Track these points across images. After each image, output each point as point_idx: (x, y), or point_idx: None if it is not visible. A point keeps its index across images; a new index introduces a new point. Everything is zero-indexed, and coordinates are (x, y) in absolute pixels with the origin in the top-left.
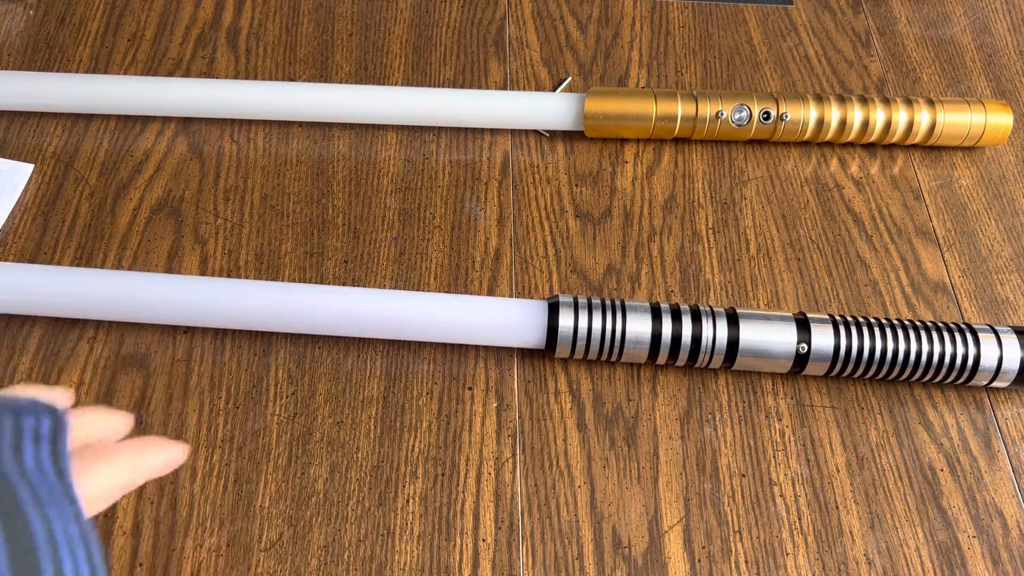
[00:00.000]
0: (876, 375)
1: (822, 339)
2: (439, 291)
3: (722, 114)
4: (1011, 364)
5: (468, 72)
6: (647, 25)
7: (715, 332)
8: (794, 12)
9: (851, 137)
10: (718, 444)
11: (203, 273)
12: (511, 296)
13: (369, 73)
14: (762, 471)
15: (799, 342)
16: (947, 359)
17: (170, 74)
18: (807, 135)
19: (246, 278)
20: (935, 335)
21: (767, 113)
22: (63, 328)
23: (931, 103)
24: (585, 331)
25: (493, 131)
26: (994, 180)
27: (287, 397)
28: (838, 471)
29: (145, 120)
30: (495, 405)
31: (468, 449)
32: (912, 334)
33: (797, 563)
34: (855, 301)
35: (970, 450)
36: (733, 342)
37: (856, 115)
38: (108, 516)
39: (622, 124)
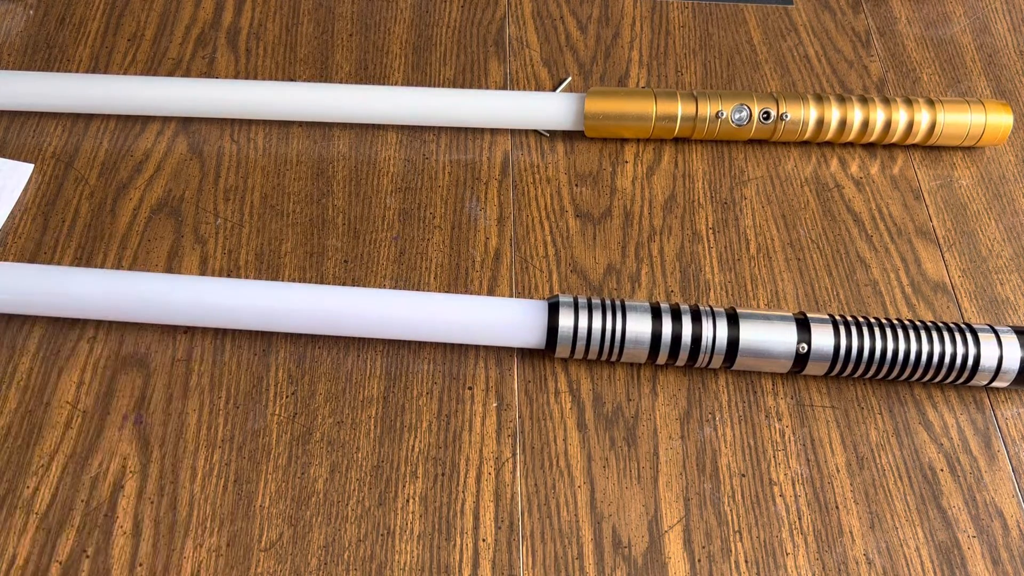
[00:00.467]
0: (876, 375)
1: (822, 339)
2: (439, 291)
3: (722, 114)
4: (1011, 364)
5: (468, 72)
6: (647, 25)
7: (715, 332)
8: (794, 12)
9: (851, 137)
10: (718, 444)
11: (203, 273)
12: (511, 296)
13: (369, 73)
14: (762, 471)
15: (799, 342)
16: (947, 359)
17: (170, 74)
18: (807, 135)
19: (246, 278)
20: (935, 335)
21: (767, 113)
22: (63, 328)
23: (931, 103)
24: (585, 331)
25: (493, 131)
26: (994, 180)
27: (287, 397)
28: (838, 471)
29: (145, 120)
30: (495, 405)
31: (468, 449)
32: (912, 334)
33: (797, 563)
34: (855, 301)
35: (970, 450)
36: (733, 342)
37: (856, 115)
38: (108, 516)
39: (622, 124)
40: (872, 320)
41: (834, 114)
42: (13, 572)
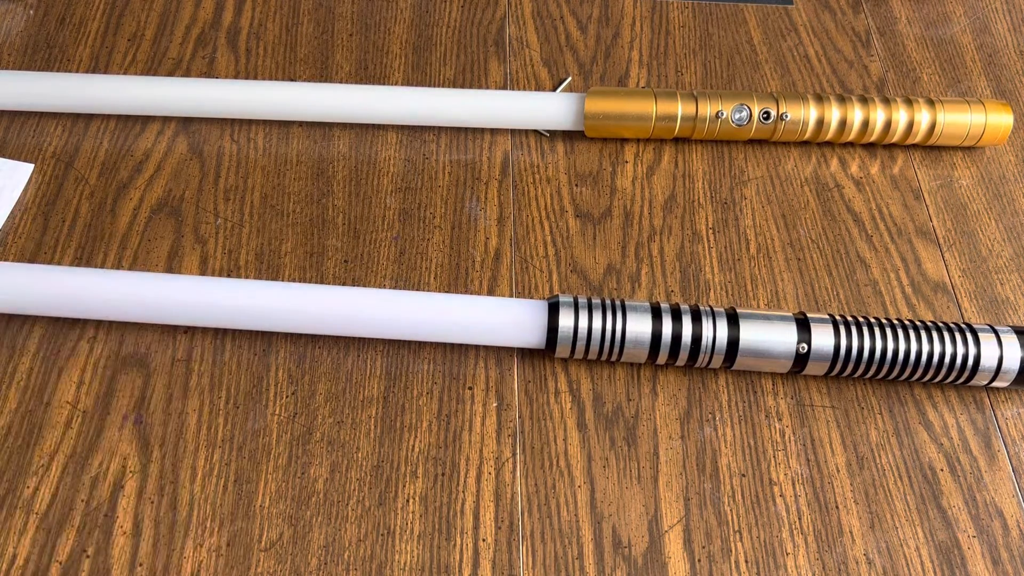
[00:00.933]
0: (876, 375)
1: (822, 339)
2: (439, 291)
3: (722, 114)
4: (1011, 364)
5: (468, 72)
6: (647, 25)
7: (715, 332)
8: (794, 12)
9: (851, 137)
10: (718, 444)
11: (203, 273)
12: (511, 296)
13: (369, 73)
14: (762, 471)
15: (799, 342)
16: (947, 359)
17: (170, 74)
18: (807, 135)
19: (246, 278)
20: (935, 335)
21: (767, 113)
22: (63, 328)
23: (931, 103)
24: (585, 331)
25: (493, 131)
26: (994, 180)
27: (287, 397)
28: (838, 471)
29: (145, 120)
30: (495, 405)
31: (468, 449)
32: (912, 334)
33: (797, 563)
34: (855, 301)
35: (970, 450)
36: (733, 342)
37: (856, 115)
38: (108, 516)
39: (622, 124)
40: (872, 320)
41: (834, 114)
42: (13, 572)
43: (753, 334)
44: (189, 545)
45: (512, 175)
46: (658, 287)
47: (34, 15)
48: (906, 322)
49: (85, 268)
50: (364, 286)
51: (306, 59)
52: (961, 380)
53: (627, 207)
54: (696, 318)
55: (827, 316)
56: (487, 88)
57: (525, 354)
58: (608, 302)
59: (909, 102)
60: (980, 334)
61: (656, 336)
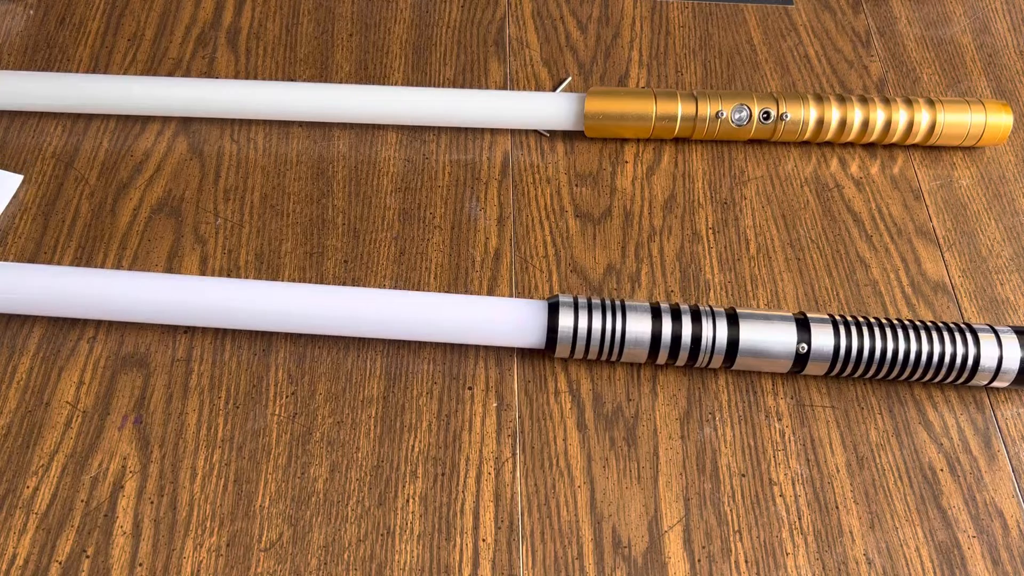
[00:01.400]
0: (876, 375)
1: (822, 339)
2: (439, 291)
3: (722, 114)
4: (1011, 364)
5: (468, 72)
6: (647, 25)
7: (715, 332)
8: (794, 12)
9: (851, 137)
10: (718, 444)
11: (203, 273)
12: (511, 296)
13: (369, 73)
14: (762, 471)
15: (799, 342)
16: (947, 359)
17: (170, 74)
18: (807, 135)
19: (246, 278)
20: (935, 335)
21: (767, 113)
22: (63, 328)
23: (931, 103)
24: (585, 331)
25: (493, 131)
26: (994, 180)
27: (287, 397)
28: (838, 471)
29: (145, 120)
30: (495, 405)
31: (468, 449)
32: (912, 334)
33: (797, 563)
34: (855, 301)
35: (970, 450)
36: (733, 342)
37: (856, 115)
38: (108, 516)
39: (622, 124)
40: (872, 320)
41: (834, 114)
42: (13, 572)
43: (753, 334)
44: (189, 545)
45: (512, 175)
46: (658, 287)
47: (34, 15)
48: (906, 322)
49: (85, 268)
50: (364, 286)
51: (306, 59)
52: (961, 380)
53: (627, 207)
54: (696, 318)
55: (827, 316)
56: (487, 88)
57: (525, 354)
58: (608, 302)
59: (909, 102)
60: (980, 334)
61: (656, 336)
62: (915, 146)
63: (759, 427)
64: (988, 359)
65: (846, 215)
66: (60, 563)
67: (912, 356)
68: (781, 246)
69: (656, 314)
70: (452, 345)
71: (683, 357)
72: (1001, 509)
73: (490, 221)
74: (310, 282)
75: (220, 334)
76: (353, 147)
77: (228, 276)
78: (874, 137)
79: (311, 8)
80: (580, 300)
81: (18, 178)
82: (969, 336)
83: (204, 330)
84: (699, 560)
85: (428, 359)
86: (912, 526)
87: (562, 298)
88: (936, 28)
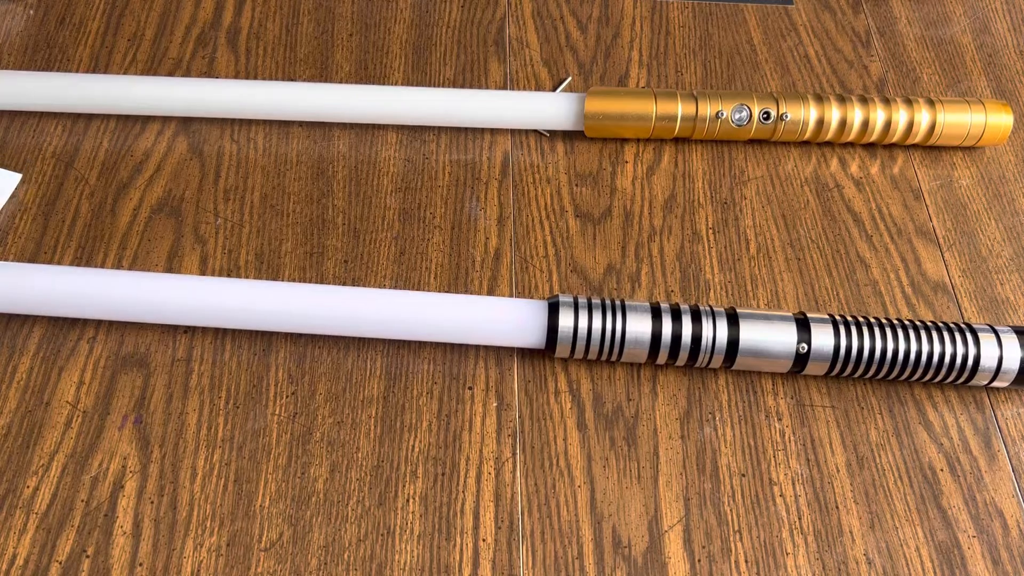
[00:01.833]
0: (876, 375)
1: (822, 339)
2: (439, 291)
3: (722, 114)
4: (1011, 364)
5: (468, 72)
6: (647, 25)
7: (715, 332)
8: (794, 12)
9: (851, 137)
10: (718, 444)
11: (203, 273)
12: (511, 296)
13: (369, 73)
14: (762, 471)
15: (799, 342)
16: (947, 359)
17: (170, 74)
18: (807, 135)
19: (246, 278)
20: (935, 335)
21: (767, 113)
22: (63, 328)
23: (931, 103)
24: (585, 331)
25: (493, 131)
26: (994, 180)
27: (287, 397)
28: (838, 471)
29: (145, 120)
30: (495, 405)
31: (468, 449)
32: (912, 334)
33: (797, 563)
34: (855, 301)
35: (970, 450)
36: (733, 342)
37: (856, 115)
38: (108, 516)
39: (622, 124)
40: (872, 320)
41: (834, 114)
42: (13, 572)
43: (753, 334)
44: (189, 545)
45: (512, 175)
46: (658, 287)
47: (34, 15)
48: (906, 322)
49: (85, 268)
50: (364, 286)
51: (306, 59)
52: (961, 380)
53: (627, 207)
54: (696, 318)
55: (827, 316)
56: (487, 88)
57: (525, 354)
58: (608, 302)
59: (909, 102)
60: (980, 334)
61: (656, 336)
62: (915, 146)
63: (759, 427)
64: (988, 359)
65: (846, 215)
66: (60, 563)
67: (912, 356)
68: (781, 246)
69: (656, 314)
70: (452, 345)
71: (683, 357)
72: (1001, 509)
73: (490, 221)
74: (310, 282)
75: (220, 334)
76: (353, 147)
77: (228, 276)
78: (874, 137)
79: (311, 8)
80: (580, 300)
81: (16, 177)
82: (969, 336)
83: (204, 330)
84: (699, 560)
85: (428, 359)
86: (912, 526)
87: (562, 298)
88: (936, 28)
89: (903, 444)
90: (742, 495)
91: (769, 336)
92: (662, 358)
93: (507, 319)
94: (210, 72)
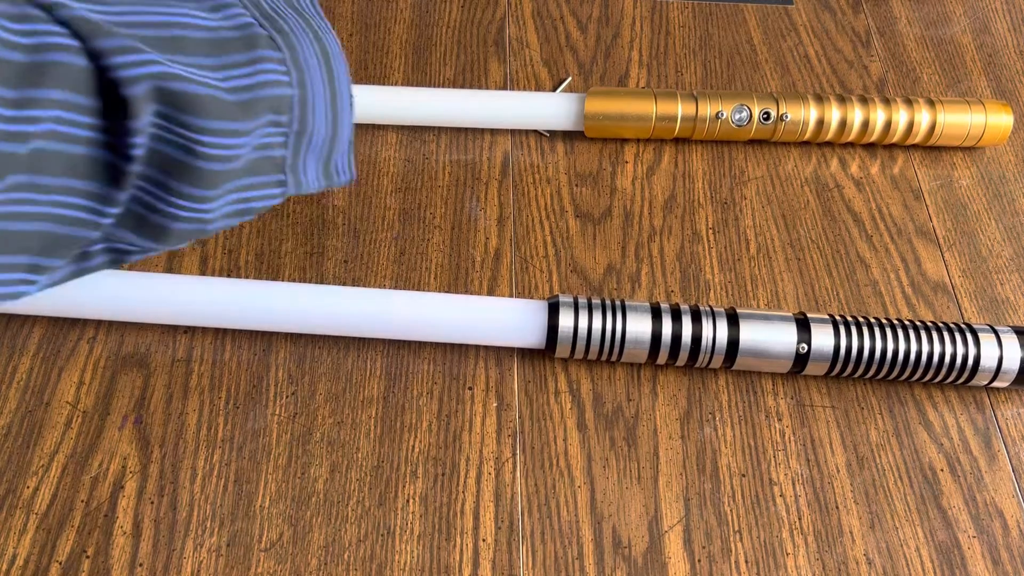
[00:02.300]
0: (876, 375)
1: (822, 339)
2: (439, 291)
3: (722, 114)
4: (1011, 364)
5: (468, 72)
6: (647, 25)
7: (715, 332)
8: (794, 12)
9: (851, 137)
10: (718, 444)
11: (203, 273)
12: (511, 296)
13: (369, 73)
14: (762, 471)
15: (799, 342)
16: (947, 359)
17: None
18: (807, 135)
19: (246, 278)
20: (935, 335)
21: (767, 113)
22: (63, 328)
23: (931, 103)
24: (585, 331)
25: (493, 131)
26: (994, 180)
27: (287, 397)
28: (838, 471)
29: None
30: (495, 405)
31: (468, 449)
32: (912, 334)
33: (797, 563)
34: (855, 301)
35: (970, 450)
36: (733, 342)
37: (856, 115)
38: (108, 516)
39: (622, 124)
40: (872, 320)
41: (834, 114)
42: (13, 572)
43: (753, 334)
44: (189, 545)
45: (512, 175)
46: (658, 287)
47: None
48: (906, 322)
49: None
50: (364, 286)
51: None
52: (961, 380)
53: (627, 207)
54: (696, 318)
55: (827, 316)
56: (487, 88)
57: (525, 354)
58: (608, 302)
59: (909, 102)
60: (980, 334)
61: (656, 336)
62: (915, 146)
63: (759, 427)
64: (988, 359)
65: (846, 215)
66: (60, 563)
67: (912, 356)
68: (781, 246)
69: (656, 314)
70: (452, 345)
71: (683, 357)
72: (1001, 509)
73: (490, 221)
74: (310, 282)
75: (220, 334)
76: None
77: (228, 276)
78: (874, 137)
79: None
80: (580, 300)
81: None
82: (969, 336)
83: (204, 330)
84: (699, 560)
85: (428, 359)
86: (912, 526)
87: (562, 298)
88: (936, 28)
89: (903, 444)
90: (742, 495)
91: (769, 336)
92: (662, 358)
93: (507, 319)
94: None
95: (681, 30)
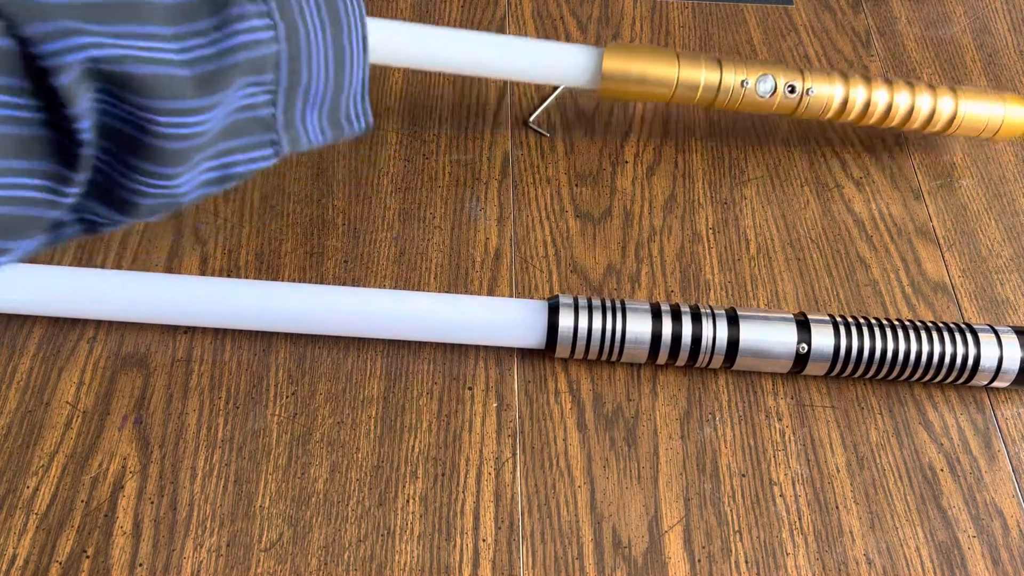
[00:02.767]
0: (876, 375)
1: (822, 339)
2: (439, 291)
3: (747, 83)
4: (1011, 364)
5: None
6: (647, 25)
7: (715, 332)
8: (794, 12)
9: (873, 120)
10: (718, 444)
11: (203, 273)
12: (511, 296)
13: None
14: (762, 471)
15: (799, 342)
16: (947, 359)
17: None
18: (830, 114)
19: (246, 278)
20: (935, 335)
21: (792, 87)
22: (63, 328)
23: (953, 90)
24: (585, 331)
25: (493, 131)
26: (994, 180)
27: (287, 397)
28: (838, 471)
29: None
30: (495, 405)
31: (468, 449)
32: (912, 334)
33: (797, 563)
34: (855, 301)
35: (970, 450)
36: (733, 342)
37: (881, 96)
38: (108, 516)
39: (642, 88)
40: (872, 320)
41: (859, 93)
42: (13, 572)
43: (753, 334)
44: (189, 545)
45: (512, 175)
46: (658, 287)
47: None
48: (906, 322)
49: (85, 268)
50: (364, 286)
51: None
52: (961, 380)
53: (627, 207)
54: (696, 318)
55: (827, 316)
56: (485, 85)
57: (525, 354)
58: (608, 302)
59: (932, 88)
60: (980, 334)
61: (656, 336)
62: (915, 146)
63: (759, 427)
64: (988, 359)
65: (846, 215)
66: (60, 563)
67: (912, 356)
68: (781, 246)
69: (656, 314)
70: (452, 345)
71: (683, 357)
72: (1001, 509)
73: (490, 221)
74: (310, 282)
75: (220, 334)
76: (353, 147)
77: (228, 276)
78: (895, 122)
79: None
80: (580, 300)
81: None
82: (969, 336)
83: (204, 330)
84: (699, 560)
85: (428, 359)
86: (912, 526)
87: (562, 298)
88: (936, 28)
89: (903, 444)
90: (742, 495)
91: (769, 336)
92: (662, 358)
93: (507, 319)
94: None
95: (681, 30)
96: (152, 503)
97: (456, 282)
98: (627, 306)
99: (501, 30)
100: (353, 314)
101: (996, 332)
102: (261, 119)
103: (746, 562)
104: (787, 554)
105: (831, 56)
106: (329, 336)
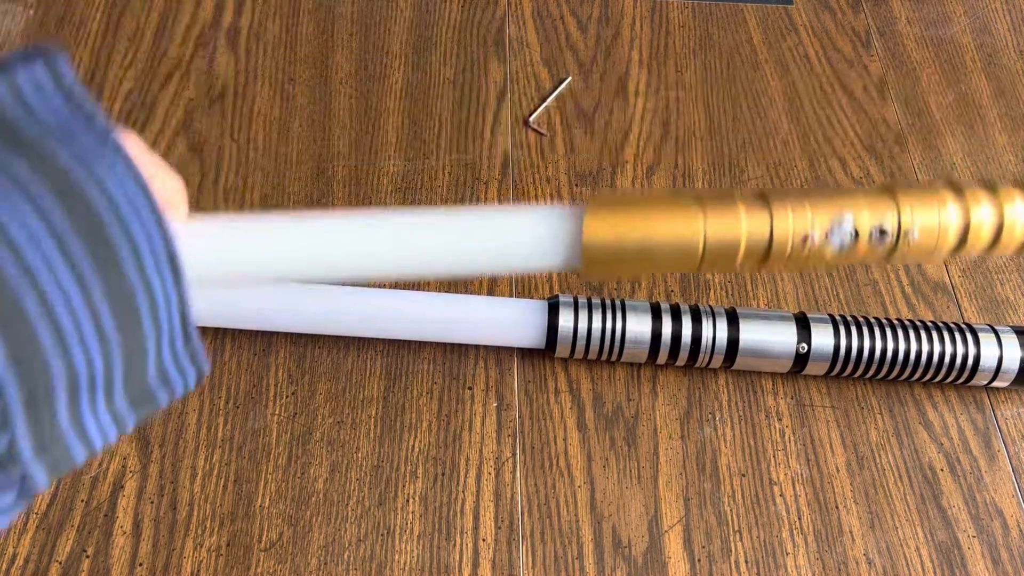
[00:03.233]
0: (876, 375)
1: (822, 339)
2: (439, 291)
3: (812, 238)
4: (1011, 364)
5: (468, 72)
6: (647, 25)
7: (715, 332)
8: (794, 12)
9: (976, 251)
10: (718, 444)
11: None
12: (511, 296)
13: (369, 73)
14: (762, 471)
15: (799, 342)
16: (947, 359)
17: (170, 74)
18: (935, 256)
19: None
20: (935, 335)
21: (882, 230)
22: None
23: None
24: (585, 331)
25: (493, 131)
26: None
27: (287, 397)
28: (838, 471)
29: (145, 120)
30: (495, 405)
31: (468, 449)
32: (912, 334)
33: (797, 563)
34: (855, 301)
35: (970, 450)
36: (733, 342)
37: (985, 215)
38: (108, 516)
39: (648, 260)
40: (872, 320)
41: (984, 215)
42: (13, 572)
43: (753, 334)
44: (189, 545)
45: (512, 175)
46: (658, 287)
47: (34, 15)
48: (906, 322)
49: None
50: (364, 286)
51: (306, 59)
52: (961, 380)
53: None
54: (696, 318)
55: (827, 316)
56: (486, 88)
57: (525, 354)
58: (608, 302)
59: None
60: (980, 334)
61: (656, 336)
62: (915, 146)
63: (759, 427)
64: (988, 359)
65: None
66: (60, 563)
67: (912, 356)
68: None
69: (656, 314)
70: (452, 345)
71: (683, 357)
72: (1001, 509)
73: None
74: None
75: (220, 334)
76: (353, 146)
77: None
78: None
79: (311, 8)
80: (580, 300)
81: None
82: (969, 336)
83: (204, 330)
84: (699, 560)
85: (428, 359)
86: (912, 526)
87: (562, 298)
88: (936, 28)
89: (903, 444)
90: (742, 495)
91: (769, 336)
92: (662, 358)
93: (507, 319)
94: (210, 72)
95: (681, 30)
96: (152, 503)
97: (456, 282)
98: (627, 305)
99: (501, 30)
100: (353, 314)
101: (996, 332)
102: None
103: (746, 562)
104: (787, 554)
105: (831, 56)
106: (329, 336)
